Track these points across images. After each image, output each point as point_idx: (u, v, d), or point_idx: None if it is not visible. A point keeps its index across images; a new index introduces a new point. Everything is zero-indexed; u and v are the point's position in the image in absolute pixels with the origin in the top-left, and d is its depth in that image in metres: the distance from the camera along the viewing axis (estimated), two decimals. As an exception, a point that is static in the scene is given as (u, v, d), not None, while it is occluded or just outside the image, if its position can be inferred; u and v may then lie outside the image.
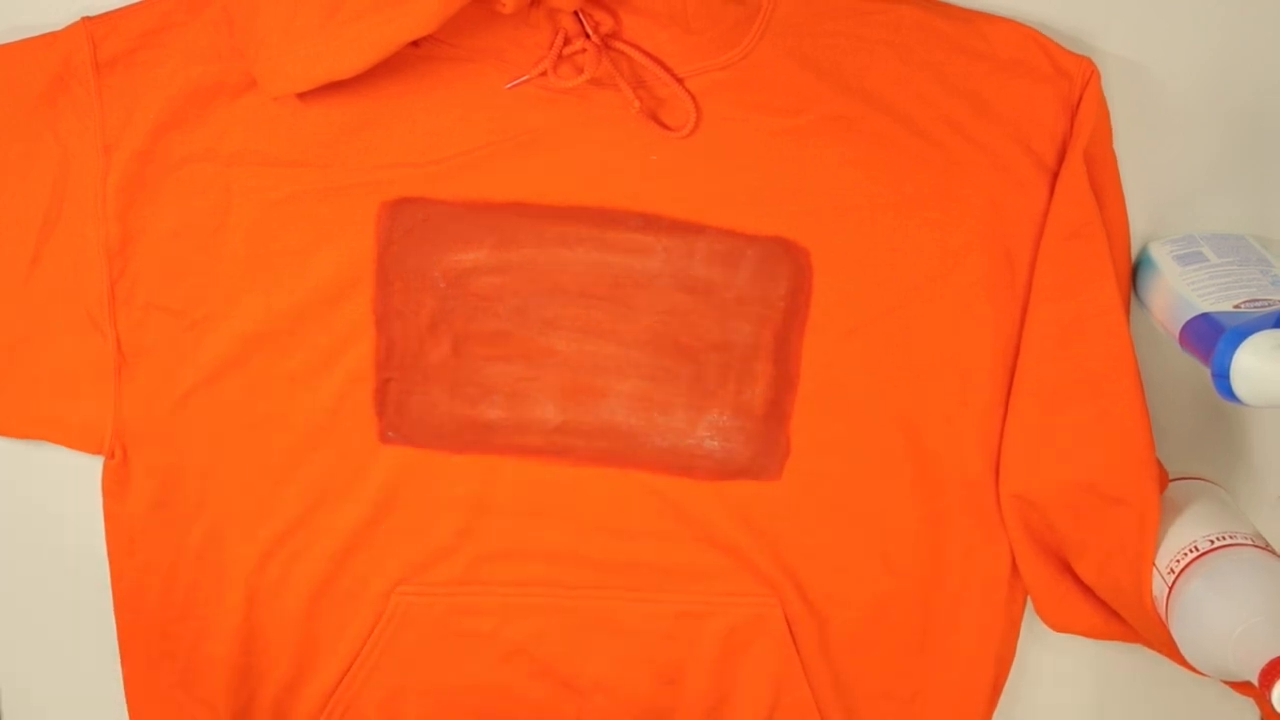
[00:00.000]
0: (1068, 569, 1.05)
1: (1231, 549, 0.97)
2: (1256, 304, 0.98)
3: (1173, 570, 0.98)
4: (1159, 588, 0.99)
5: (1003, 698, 1.09)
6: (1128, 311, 1.04)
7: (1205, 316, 0.98)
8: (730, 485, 1.04)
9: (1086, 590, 1.05)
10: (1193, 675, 1.02)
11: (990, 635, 1.07)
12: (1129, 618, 1.03)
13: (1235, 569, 0.96)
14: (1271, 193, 1.07)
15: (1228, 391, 0.93)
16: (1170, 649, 1.01)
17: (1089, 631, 1.06)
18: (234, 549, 1.04)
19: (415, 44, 0.96)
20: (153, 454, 1.03)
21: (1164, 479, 1.04)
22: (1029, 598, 1.07)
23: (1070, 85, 1.01)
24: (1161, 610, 0.99)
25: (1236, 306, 0.98)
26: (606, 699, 1.06)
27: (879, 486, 1.05)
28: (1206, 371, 1.07)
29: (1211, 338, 0.95)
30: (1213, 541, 0.98)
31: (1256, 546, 0.98)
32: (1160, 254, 1.05)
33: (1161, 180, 1.06)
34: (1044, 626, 1.07)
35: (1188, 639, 0.96)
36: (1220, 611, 0.94)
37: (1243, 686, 1.00)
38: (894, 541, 1.06)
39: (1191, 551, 0.98)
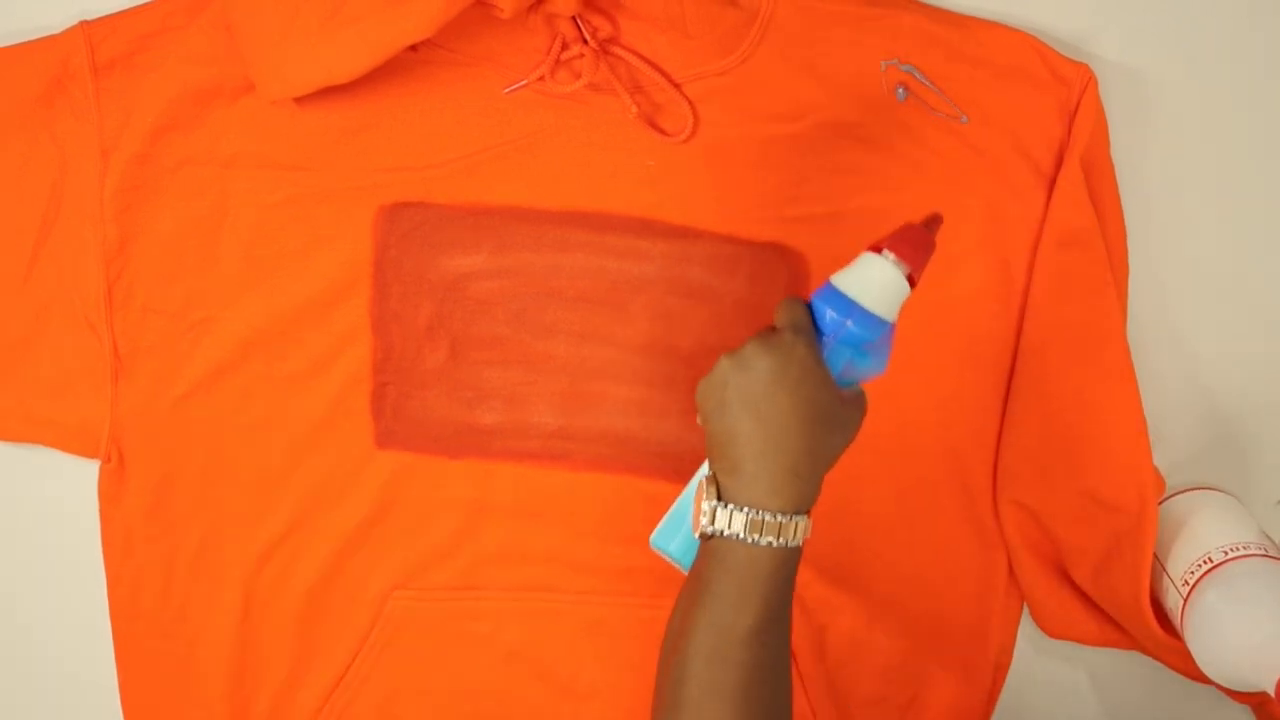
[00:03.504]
0: (1065, 576, 1.05)
1: (1245, 559, 0.98)
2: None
3: (1187, 582, 0.99)
4: (1174, 599, 0.99)
5: (999, 703, 1.09)
6: (1125, 317, 1.04)
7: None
8: (727, 490, 1.04)
9: (1083, 597, 1.05)
10: (1189, 681, 1.02)
11: (987, 641, 1.07)
12: (1126, 624, 1.03)
13: (1250, 579, 0.96)
14: (1270, 196, 1.07)
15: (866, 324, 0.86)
16: (1167, 655, 1.01)
17: (1086, 638, 1.06)
18: (230, 552, 1.04)
19: (413, 48, 0.96)
20: (149, 457, 1.03)
21: (1160, 486, 1.04)
22: (1025, 604, 1.07)
23: (1068, 92, 1.01)
24: (1177, 621, 0.99)
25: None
26: (603, 704, 1.06)
27: (876, 493, 1.05)
28: (1205, 375, 1.07)
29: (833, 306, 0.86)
30: (1226, 552, 0.98)
31: (1270, 557, 0.98)
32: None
33: (1159, 185, 1.06)
34: (1040, 633, 1.07)
35: (1204, 649, 0.96)
36: (1236, 622, 0.95)
37: (1241, 694, 1.00)
38: (890, 548, 1.06)
39: (1205, 563, 0.98)
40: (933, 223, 0.88)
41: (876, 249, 0.86)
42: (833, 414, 0.84)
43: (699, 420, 0.85)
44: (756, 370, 0.82)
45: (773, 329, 0.85)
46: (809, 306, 0.86)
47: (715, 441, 0.83)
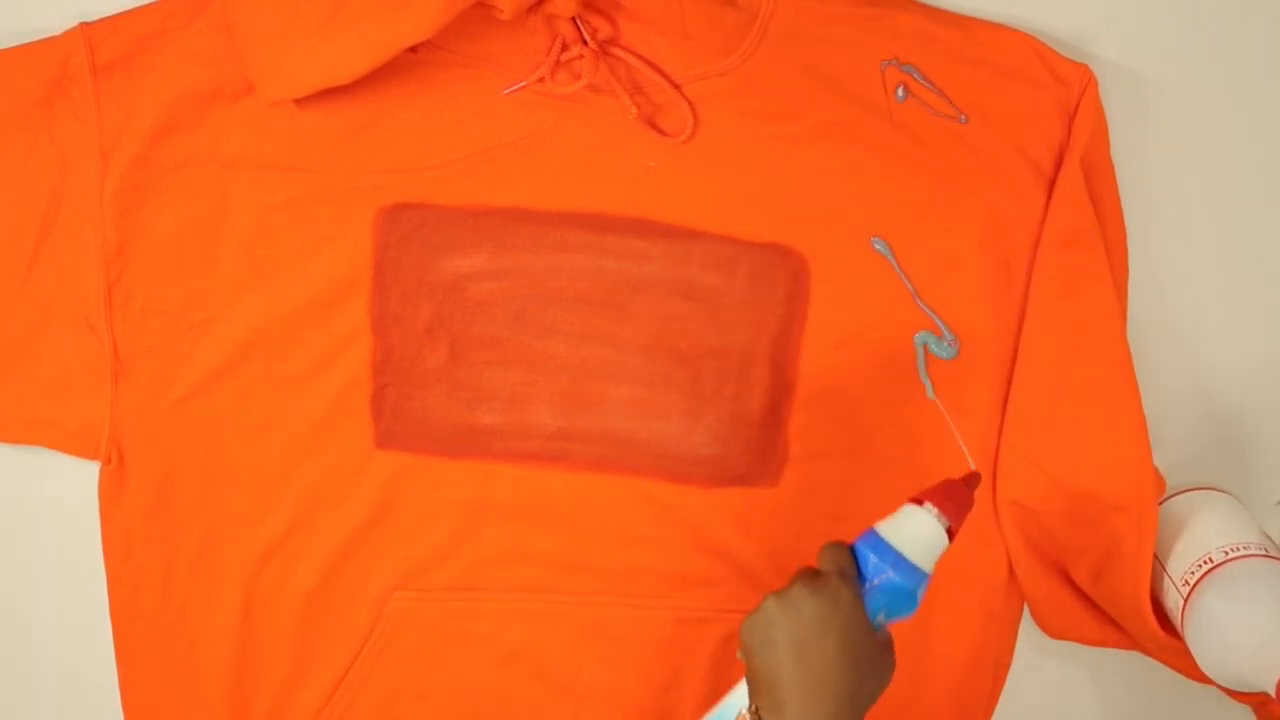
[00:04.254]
0: (1065, 576, 1.05)
1: (1245, 560, 0.98)
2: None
3: (1187, 582, 0.99)
4: (1174, 600, 0.99)
5: (1000, 705, 1.09)
6: (1125, 317, 1.04)
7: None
8: (727, 491, 1.04)
9: (1084, 597, 1.05)
10: (1190, 681, 1.02)
11: (987, 642, 1.07)
12: (1126, 625, 1.03)
13: (1250, 580, 0.96)
14: (1270, 196, 1.07)
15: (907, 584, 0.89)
16: (1167, 655, 1.01)
17: (1086, 639, 1.06)
18: (230, 552, 1.04)
19: (413, 49, 0.96)
20: (149, 458, 1.03)
21: (1160, 486, 1.04)
22: (1025, 604, 1.07)
23: (1068, 92, 1.01)
24: (1177, 622, 0.99)
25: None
26: (602, 704, 1.06)
27: (876, 493, 1.05)
28: (1205, 375, 1.07)
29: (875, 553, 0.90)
30: (1226, 553, 0.98)
31: (1270, 557, 0.98)
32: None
33: (1159, 185, 1.06)
34: (1040, 632, 1.07)
35: (1204, 650, 0.96)
36: (1236, 622, 0.95)
37: (1242, 694, 1.00)
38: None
39: (1206, 563, 0.98)
40: (972, 480, 0.91)
41: (918, 501, 0.89)
42: (873, 659, 0.86)
43: (739, 654, 0.87)
44: (803, 614, 0.84)
45: (816, 572, 0.87)
46: (852, 550, 0.88)
47: (759, 677, 0.85)
